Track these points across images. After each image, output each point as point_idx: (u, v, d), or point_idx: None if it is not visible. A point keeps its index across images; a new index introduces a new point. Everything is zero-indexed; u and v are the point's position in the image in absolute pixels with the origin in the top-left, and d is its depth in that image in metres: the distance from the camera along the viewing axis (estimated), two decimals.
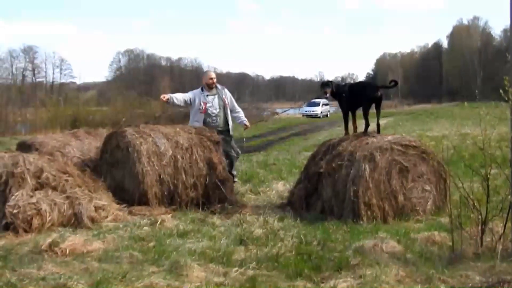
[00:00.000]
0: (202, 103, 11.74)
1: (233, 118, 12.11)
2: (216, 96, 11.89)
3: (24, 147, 10.97)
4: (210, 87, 11.92)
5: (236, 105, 12.21)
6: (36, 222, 8.30)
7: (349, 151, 9.26)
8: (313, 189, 9.63)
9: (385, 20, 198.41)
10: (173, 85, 56.77)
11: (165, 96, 11.77)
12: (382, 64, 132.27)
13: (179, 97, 11.83)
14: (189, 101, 11.81)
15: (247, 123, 12.24)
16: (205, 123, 11.61)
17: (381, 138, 9.44)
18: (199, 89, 12.01)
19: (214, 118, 11.77)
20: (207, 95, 11.83)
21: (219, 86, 12.05)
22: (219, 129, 11.47)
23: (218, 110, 11.81)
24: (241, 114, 12.20)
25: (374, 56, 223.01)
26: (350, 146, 9.37)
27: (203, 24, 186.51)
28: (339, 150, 9.43)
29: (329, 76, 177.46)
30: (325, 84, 10.57)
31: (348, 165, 9.06)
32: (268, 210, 9.76)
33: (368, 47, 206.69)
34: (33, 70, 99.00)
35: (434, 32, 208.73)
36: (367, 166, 8.83)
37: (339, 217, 8.88)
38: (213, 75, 12.11)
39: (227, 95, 12.04)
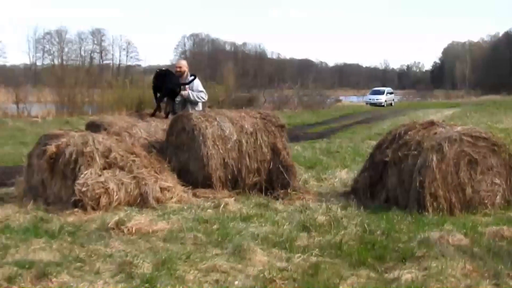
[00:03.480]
0: None
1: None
2: None
3: (93, 127, 11.12)
4: (178, 75, 12.25)
5: (199, 89, 12.27)
6: (103, 200, 8.47)
7: (416, 141, 9.14)
8: (378, 178, 9.55)
9: (453, 8, 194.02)
10: (236, 70, 56.81)
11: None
12: (450, 53, 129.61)
13: None
14: None
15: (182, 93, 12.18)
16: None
17: (450, 128, 9.29)
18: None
19: (177, 104, 12.12)
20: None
21: (189, 75, 12.29)
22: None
23: (179, 98, 12.08)
24: (194, 92, 12.19)
25: (441, 45, 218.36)
26: (418, 136, 9.24)
27: (266, 8, 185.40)
28: (406, 140, 9.31)
29: (394, 65, 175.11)
30: None
31: (415, 155, 8.94)
32: (331, 198, 9.74)
33: (435, 36, 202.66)
34: (101, 52, 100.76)
35: (506, 21, 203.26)
36: (434, 157, 8.68)
37: (404, 207, 8.77)
38: (181, 64, 12.73)
39: (193, 83, 12.18)
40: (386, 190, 9.34)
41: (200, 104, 12.23)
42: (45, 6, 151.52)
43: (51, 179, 9.01)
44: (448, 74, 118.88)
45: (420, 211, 8.51)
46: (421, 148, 8.94)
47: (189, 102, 12.00)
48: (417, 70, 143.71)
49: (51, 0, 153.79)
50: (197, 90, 12.10)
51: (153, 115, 12.01)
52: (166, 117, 11.92)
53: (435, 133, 9.16)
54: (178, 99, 12.06)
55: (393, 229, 7.61)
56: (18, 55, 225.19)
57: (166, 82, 12.02)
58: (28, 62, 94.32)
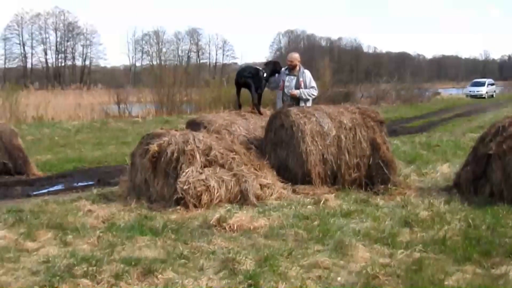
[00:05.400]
0: (281, 81, 12.16)
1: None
2: (295, 77, 12.08)
3: (193, 125, 11.32)
4: (290, 67, 12.17)
5: (311, 85, 12.11)
6: (205, 198, 8.61)
7: None
8: (481, 172, 9.30)
9: None
10: (332, 65, 56.39)
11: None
12: None
13: None
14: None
15: (291, 92, 12.01)
16: (282, 100, 12.09)
17: None
18: (284, 68, 12.35)
19: (289, 96, 11.99)
20: (287, 75, 12.16)
21: (301, 69, 12.18)
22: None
23: (292, 90, 11.96)
24: (305, 89, 12.01)
25: None
26: None
27: (362, 2, 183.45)
28: (511, 132, 9.03)
29: (495, 55, 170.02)
30: None
31: None
32: (433, 193, 9.59)
33: None
34: (198, 51, 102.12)
35: None
36: None
37: (510, 201, 8.51)
38: (291, 58, 12.32)
39: (306, 77, 12.08)
40: (490, 184, 9.09)
41: (310, 100, 12.15)
42: (143, 8, 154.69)
43: (154, 178, 9.21)
44: None
45: None
46: None
47: (301, 100, 11.94)
48: None
49: (149, 1, 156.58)
50: (309, 85, 12.05)
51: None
52: (259, 112, 12.12)
53: None
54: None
55: (498, 224, 7.42)
56: (118, 57, 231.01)
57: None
58: (127, 63, 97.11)
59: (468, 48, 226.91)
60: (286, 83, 12.02)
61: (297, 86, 11.95)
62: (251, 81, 12.02)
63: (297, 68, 12.14)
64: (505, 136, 9.06)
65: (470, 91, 64.10)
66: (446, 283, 5.48)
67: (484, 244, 6.57)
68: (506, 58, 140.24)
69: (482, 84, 65.39)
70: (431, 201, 8.79)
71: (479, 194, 9.16)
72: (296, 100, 11.90)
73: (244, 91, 12.59)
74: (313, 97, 12.15)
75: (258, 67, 12.50)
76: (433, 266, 5.88)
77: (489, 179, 9.14)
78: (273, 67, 12.48)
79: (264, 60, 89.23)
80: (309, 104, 11.95)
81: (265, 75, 12.16)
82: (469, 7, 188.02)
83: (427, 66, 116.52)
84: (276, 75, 12.33)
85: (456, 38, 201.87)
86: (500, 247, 6.47)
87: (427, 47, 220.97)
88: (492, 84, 67.33)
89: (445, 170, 11.57)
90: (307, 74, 12.17)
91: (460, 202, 8.76)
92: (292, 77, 12.07)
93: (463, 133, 20.76)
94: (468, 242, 6.65)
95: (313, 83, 12.17)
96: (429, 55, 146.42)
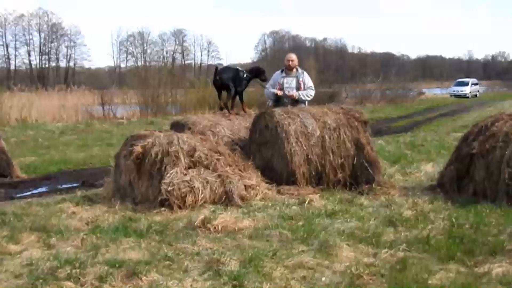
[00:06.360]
0: (277, 84, 11.97)
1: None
2: (295, 78, 11.96)
3: (178, 126, 11.31)
4: (289, 69, 12.04)
5: (309, 86, 12.07)
6: (189, 199, 8.61)
7: (504, 132, 8.91)
8: (465, 171, 9.35)
9: None
10: (317, 66, 56.52)
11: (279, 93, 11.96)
12: None
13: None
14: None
15: (289, 93, 11.85)
16: (277, 102, 11.86)
17: None
18: (279, 71, 12.21)
19: (288, 98, 11.83)
20: (284, 77, 11.99)
21: (299, 70, 12.13)
22: None
23: (293, 91, 11.86)
24: (303, 91, 11.94)
25: None
26: (505, 127, 9.01)
27: (348, 3, 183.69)
28: (493, 131, 9.08)
29: (478, 55, 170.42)
30: None
31: (503, 146, 8.73)
32: (417, 192, 9.64)
33: None
34: (183, 52, 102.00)
35: None
36: None
37: (493, 200, 8.58)
38: (292, 57, 12.14)
39: (305, 78, 12.03)
40: (473, 183, 9.15)
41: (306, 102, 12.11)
42: (128, 9, 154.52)
43: (138, 179, 9.20)
44: None
45: (510, 204, 8.30)
46: (509, 139, 8.72)
47: (299, 101, 11.87)
48: (503, 60, 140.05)
49: (134, 2, 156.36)
50: (307, 86, 12.00)
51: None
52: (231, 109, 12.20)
53: None
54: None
55: (482, 223, 7.46)
56: (103, 58, 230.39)
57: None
58: (112, 65, 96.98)
59: (452, 48, 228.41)
60: (286, 85, 11.90)
61: (298, 87, 11.89)
62: (230, 82, 12.01)
63: (296, 69, 12.08)
64: (487, 136, 9.12)
65: (454, 91, 64.55)
66: (430, 282, 5.51)
67: (468, 243, 6.62)
68: (490, 58, 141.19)
69: (466, 84, 65.87)
70: (415, 200, 8.84)
71: (462, 193, 9.21)
72: (294, 102, 11.80)
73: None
74: (311, 97, 12.11)
75: (238, 68, 12.51)
76: (417, 265, 5.92)
77: (472, 178, 9.19)
78: (257, 71, 12.49)
79: (249, 61, 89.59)
80: (306, 104, 11.95)
81: (245, 75, 12.13)
82: (453, 8, 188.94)
83: (411, 66, 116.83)
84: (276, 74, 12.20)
85: (440, 38, 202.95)
86: (483, 245, 6.52)
87: (412, 47, 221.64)
88: (476, 84, 67.83)
89: (429, 169, 11.64)
90: (306, 74, 12.14)
91: (444, 201, 8.81)
92: (291, 78, 11.97)
93: (447, 132, 20.86)
94: (451, 241, 6.70)
95: (311, 83, 12.14)
96: (413, 55, 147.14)
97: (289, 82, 11.93)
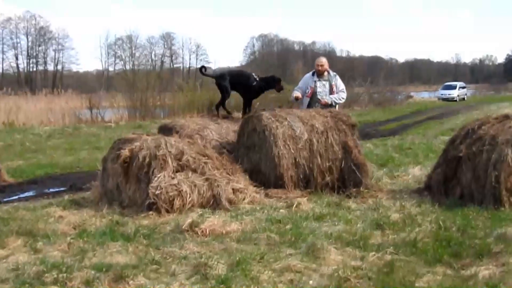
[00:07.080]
0: (309, 87, 11.89)
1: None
2: (327, 82, 11.92)
3: (166, 130, 11.29)
4: (319, 73, 11.94)
5: (341, 88, 12.08)
6: (177, 203, 8.59)
7: (490, 135, 8.94)
8: (452, 174, 9.38)
9: None
10: (306, 70, 56.49)
11: (298, 97, 11.95)
12: None
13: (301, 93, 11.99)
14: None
15: (323, 101, 11.86)
16: (309, 106, 11.74)
17: None
18: (310, 73, 12.14)
19: (318, 103, 11.79)
20: (316, 81, 11.90)
21: (331, 73, 12.02)
22: None
23: (326, 95, 11.84)
24: (335, 94, 11.95)
25: None
26: (492, 130, 9.04)
27: (336, 7, 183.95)
28: (480, 134, 9.11)
29: (466, 59, 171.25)
30: None
31: (490, 149, 8.75)
32: (405, 195, 9.64)
33: (507, 28, 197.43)
34: (171, 56, 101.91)
35: None
36: (510, 151, 8.47)
37: (480, 203, 8.60)
38: (321, 62, 12.01)
39: (337, 82, 11.99)
40: (460, 186, 9.17)
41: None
42: (116, 12, 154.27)
43: (126, 183, 9.18)
44: None
45: (496, 207, 8.33)
46: (496, 142, 8.74)
47: (332, 105, 11.83)
48: (490, 64, 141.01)
49: (122, 5, 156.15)
50: (339, 89, 11.97)
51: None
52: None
53: (510, 127, 8.93)
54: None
55: (469, 225, 7.48)
56: (91, 62, 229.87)
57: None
58: (100, 68, 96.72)
59: (440, 52, 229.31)
60: (319, 89, 11.84)
61: (330, 90, 11.86)
62: (228, 87, 12.04)
63: (325, 72, 11.99)
64: (474, 139, 9.15)
65: (442, 94, 64.92)
66: (417, 284, 5.52)
67: (455, 246, 6.64)
68: (477, 61, 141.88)
69: (454, 87, 66.29)
70: (403, 203, 8.85)
71: (449, 196, 9.23)
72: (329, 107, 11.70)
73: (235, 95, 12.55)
74: (343, 100, 12.13)
75: (251, 73, 12.48)
76: (404, 268, 5.93)
77: (459, 181, 9.21)
78: (272, 80, 12.41)
79: (238, 64, 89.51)
80: (337, 107, 11.93)
81: (257, 79, 12.12)
82: (441, 12, 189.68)
83: (399, 69, 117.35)
84: (305, 81, 12.09)
85: (428, 42, 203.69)
86: (470, 248, 6.54)
87: (400, 51, 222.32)
88: (464, 87, 68.20)
89: (417, 172, 11.65)
90: (338, 77, 12.05)
91: (431, 204, 8.83)
92: (323, 82, 11.90)
93: (435, 135, 20.89)
94: (438, 244, 6.71)
95: (343, 86, 12.11)
96: (401, 59, 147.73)
97: (322, 87, 11.87)
